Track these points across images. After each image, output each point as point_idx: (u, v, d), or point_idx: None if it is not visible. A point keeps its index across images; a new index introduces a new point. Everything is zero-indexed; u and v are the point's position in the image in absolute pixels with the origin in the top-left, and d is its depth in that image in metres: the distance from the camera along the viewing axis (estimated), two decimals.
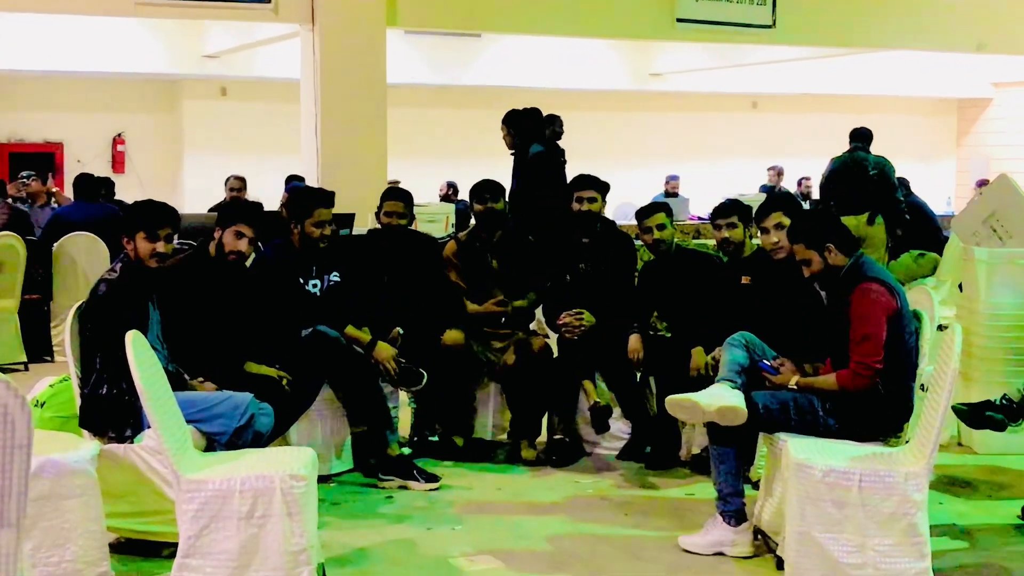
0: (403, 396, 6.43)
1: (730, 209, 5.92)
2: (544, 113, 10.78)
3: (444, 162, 16.55)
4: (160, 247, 4.84)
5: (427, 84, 16.40)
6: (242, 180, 11.46)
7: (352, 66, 9.88)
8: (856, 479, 4.20)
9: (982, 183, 14.23)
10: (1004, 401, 5.49)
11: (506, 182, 7.05)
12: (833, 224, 4.83)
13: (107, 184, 11.15)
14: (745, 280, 5.72)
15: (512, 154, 8.46)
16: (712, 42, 12.27)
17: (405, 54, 14.31)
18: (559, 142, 10.91)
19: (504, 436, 6.43)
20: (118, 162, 16.72)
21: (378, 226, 6.51)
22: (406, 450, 6.00)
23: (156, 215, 4.89)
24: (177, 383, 4.71)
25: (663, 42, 14.46)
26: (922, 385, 4.68)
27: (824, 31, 12.04)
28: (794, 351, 4.98)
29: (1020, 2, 12.40)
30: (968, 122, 20.14)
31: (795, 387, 4.69)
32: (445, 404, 6.31)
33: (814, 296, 5.10)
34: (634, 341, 6.13)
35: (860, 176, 9.27)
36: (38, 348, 9.10)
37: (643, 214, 6.31)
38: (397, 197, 6.44)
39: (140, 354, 4.09)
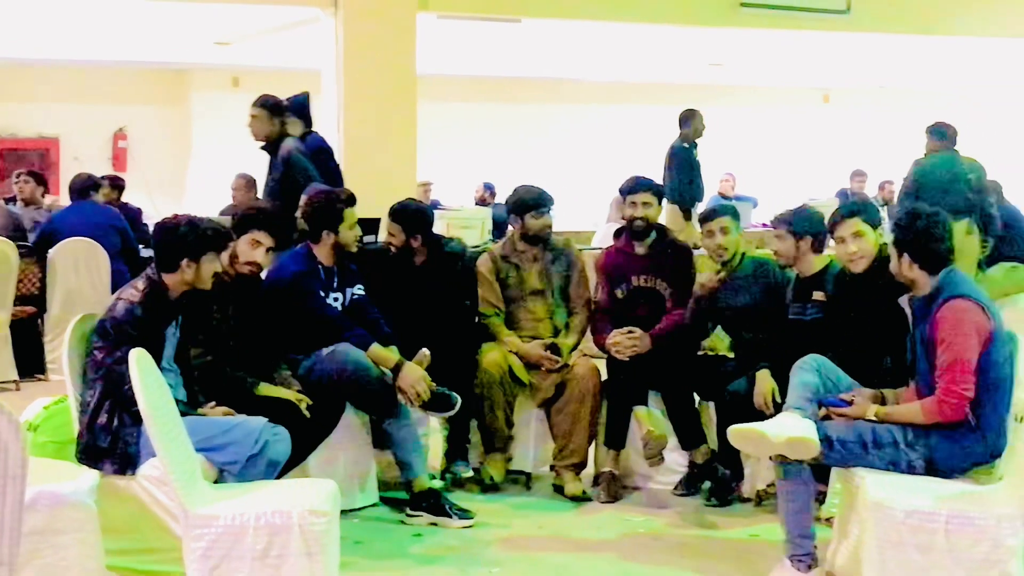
0: (434, 423, 6.43)
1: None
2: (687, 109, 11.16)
3: (480, 161, 16.59)
4: (218, 266, 5.00)
5: (461, 75, 16.46)
6: (247, 179, 11.04)
7: (378, 55, 9.92)
8: (942, 521, 4.18)
9: None
10: None
11: (557, 186, 6.93)
12: (919, 232, 4.75)
13: (114, 182, 11.26)
14: (818, 296, 5.70)
15: (264, 148, 7.83)
16: (779, 29, 12.25)
17: (437, 42, 14.38)
18: (699, 140, 11.29)
19: (546, 468, 6.43)
20: (119, 160, 16.88)
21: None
22: (437, 483, 6.01)
23: (225, 233, 5.12)
24: (188, 409, 4.75)
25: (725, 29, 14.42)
26: (1017, 416, 4.63)
27: (905, 16, 11.99)
28: (873, 377, 4.96)
29: None
30: None
31: (874, 418, 4.66)
32: (481, 432, 6.32)
33: (898, 314, 5.07)
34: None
35: (959, 180, 9.18)
36: (30, 364, 9.16)
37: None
38: (395, 219, 6.41)
39: (146, 375, 4.12)
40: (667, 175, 11.35)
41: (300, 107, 7.94)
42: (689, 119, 11.46)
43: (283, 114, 7.77)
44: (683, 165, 11.35)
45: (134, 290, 4.84)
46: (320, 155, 7.91)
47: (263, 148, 7.83)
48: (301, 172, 7.56)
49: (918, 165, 9.49)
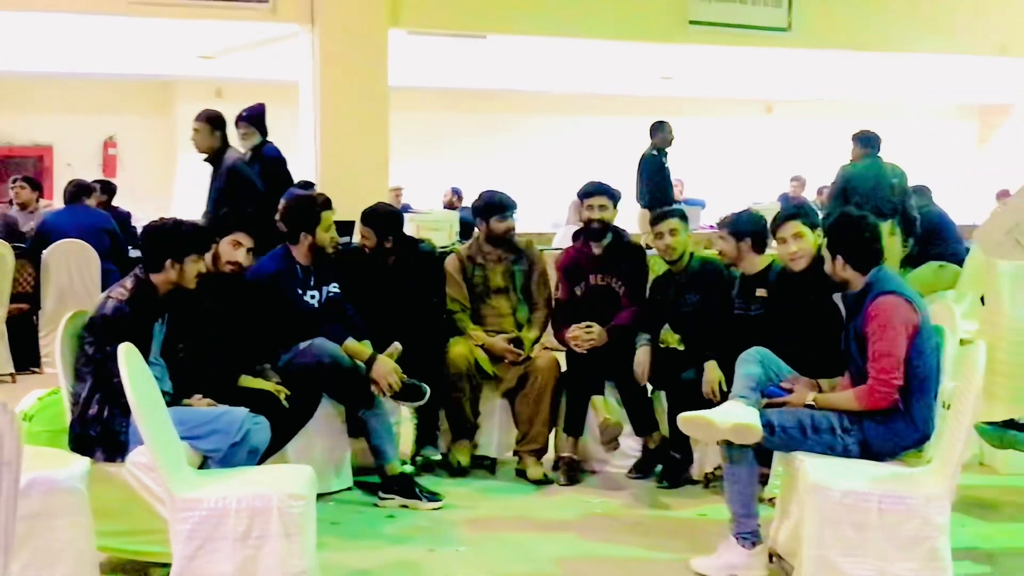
0: (405, 411, 6.43)
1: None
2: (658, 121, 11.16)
3: (448, 168, 16.57)
4: (201, 267, 4.96)
5: (431, 87, 16.41)
6: None
7: (353, 68, 9.91)
8: (875, 501, 4.20)
9: (1003, 194, 14.20)
10: None
11: (518, 192, 6.95)
12: (850, 234, 4.79)
13: (105, 187, 11.19)
14: (760, 293, 5.73)
15: (207, 159, 7.75)
16: (725, 45, 12.31)
17: (408, 56, 14.35)
18: (668, 149, 11.30)
19: (510, 454, 6.43)
20: (109, 166, 16.76)
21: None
22: (408, 468, 6.00)
23: (208, 235, 5.09)
24: (174, 400, 4.73)
25: (675, 45, 14.48)
26: (944, 403, 4.68)
27: (841, 34, 12.08)
28: (811, 367, 4.99)
29: None
30: (990, 128, 20.13)
31: (812, 403, 4.69)
32: (449, 420, 6.31)
33: (833, 309, 5.09)
34: (642, 355, 6.13)
35: (883, 184, 9.24)
36: (25, 358, 9.10)
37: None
38: (365, 222, 6.41)
39: (134, 369, 4.10)
40: (639, 181, 11.38)
41: (256, 118, 7.90)
42: (659, 129, 11.47)
43: (224, 127, 7.73)
44: (653, 172, 11.37)
45: (123, 289, 4.80)
46: (276, 164, 7.88)
47: (206, 160, 7.78)
48: (244, 182, 7.53)
49: (845, 170, 9.53)
